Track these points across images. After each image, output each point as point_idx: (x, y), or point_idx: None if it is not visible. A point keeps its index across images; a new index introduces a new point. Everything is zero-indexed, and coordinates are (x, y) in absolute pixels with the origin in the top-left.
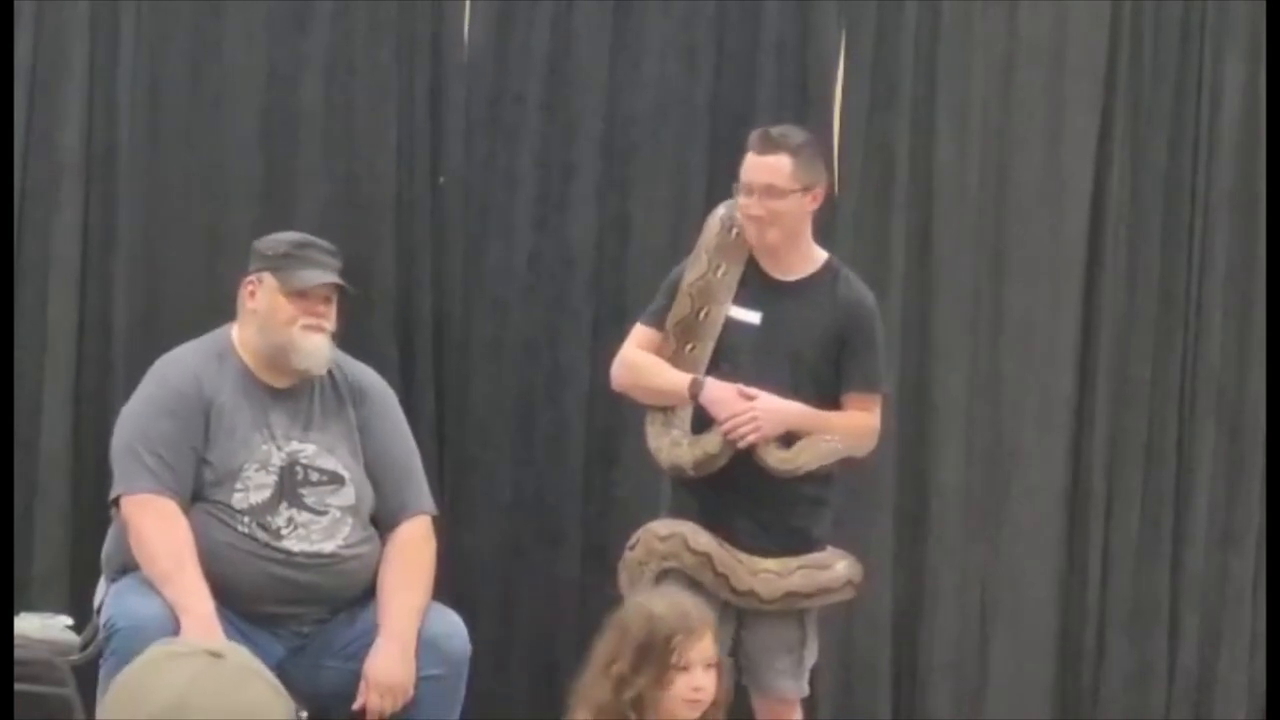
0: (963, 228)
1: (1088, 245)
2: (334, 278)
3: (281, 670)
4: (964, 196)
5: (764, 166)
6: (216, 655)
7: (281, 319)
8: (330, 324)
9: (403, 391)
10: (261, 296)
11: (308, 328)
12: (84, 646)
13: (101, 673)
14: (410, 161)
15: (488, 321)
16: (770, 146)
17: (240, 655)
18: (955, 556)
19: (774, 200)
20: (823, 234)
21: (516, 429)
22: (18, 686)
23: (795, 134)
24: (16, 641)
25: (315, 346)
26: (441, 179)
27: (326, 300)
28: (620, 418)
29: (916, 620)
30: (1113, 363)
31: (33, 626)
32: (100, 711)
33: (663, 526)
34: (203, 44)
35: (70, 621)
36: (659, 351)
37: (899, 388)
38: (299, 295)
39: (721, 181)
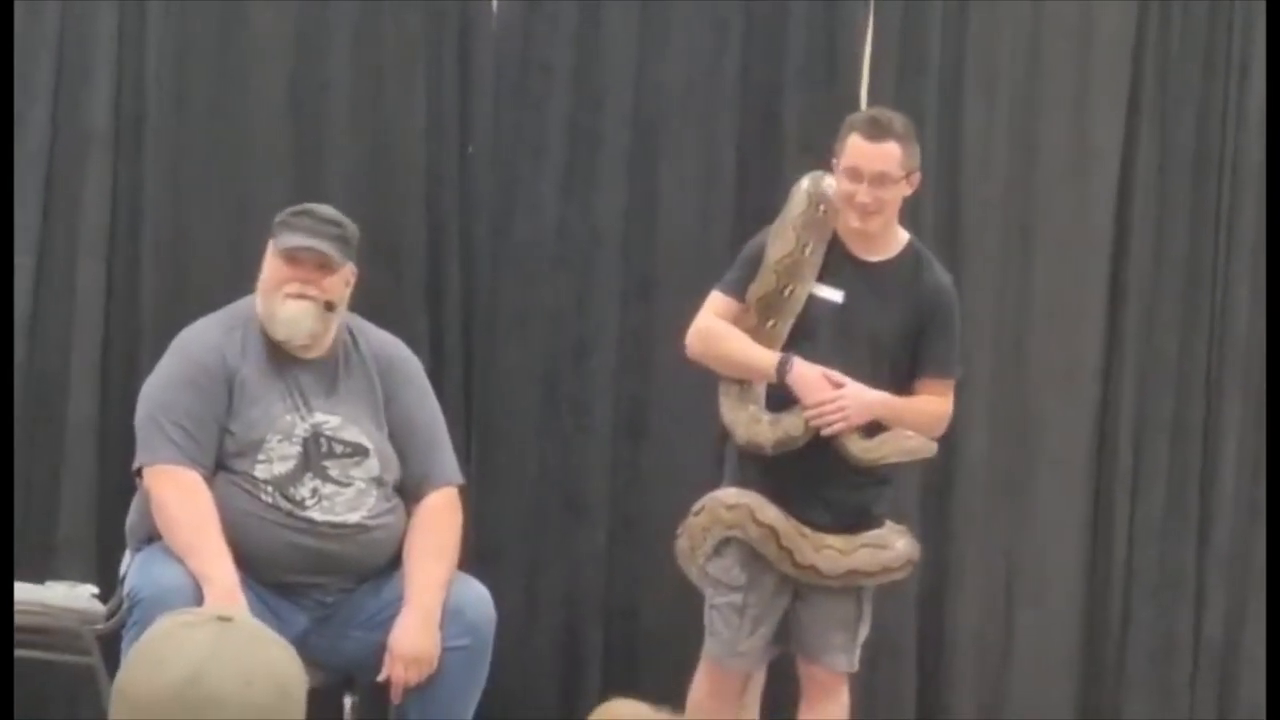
0: (990, 200)
1: (1115, 218)
2: (316, 243)
3: (305, 640)
4: (991, 169)
5: (877, 154)
6: (227, 620)
7: (271, 284)
8: (322, 293)
9: (430, 362)
10: (265, 263)
11: (291, 295)
12: (109, 616)
13: (125, 642)
14: (438, 132)
15: (515, 292)
16: (881, 133)
17: (249, 620)
18: (980, 529)
19: (884, 189)
20: None
21: (543, 400)
22: (43, 654)
23: (898, 118)
24: (41, 609)
25: (293, 315)
26: (470, 149)
27: (319, 268)
28: (647, 389)
29: (941, 592)
30: (1139, 336)
31: (58, 595)
32: (119, 682)
33: (730, 495)
34: (230, 13)
35: (96, 590)
36: (737, 322)
37: None
38: (289, 261)
39: (749, 151)
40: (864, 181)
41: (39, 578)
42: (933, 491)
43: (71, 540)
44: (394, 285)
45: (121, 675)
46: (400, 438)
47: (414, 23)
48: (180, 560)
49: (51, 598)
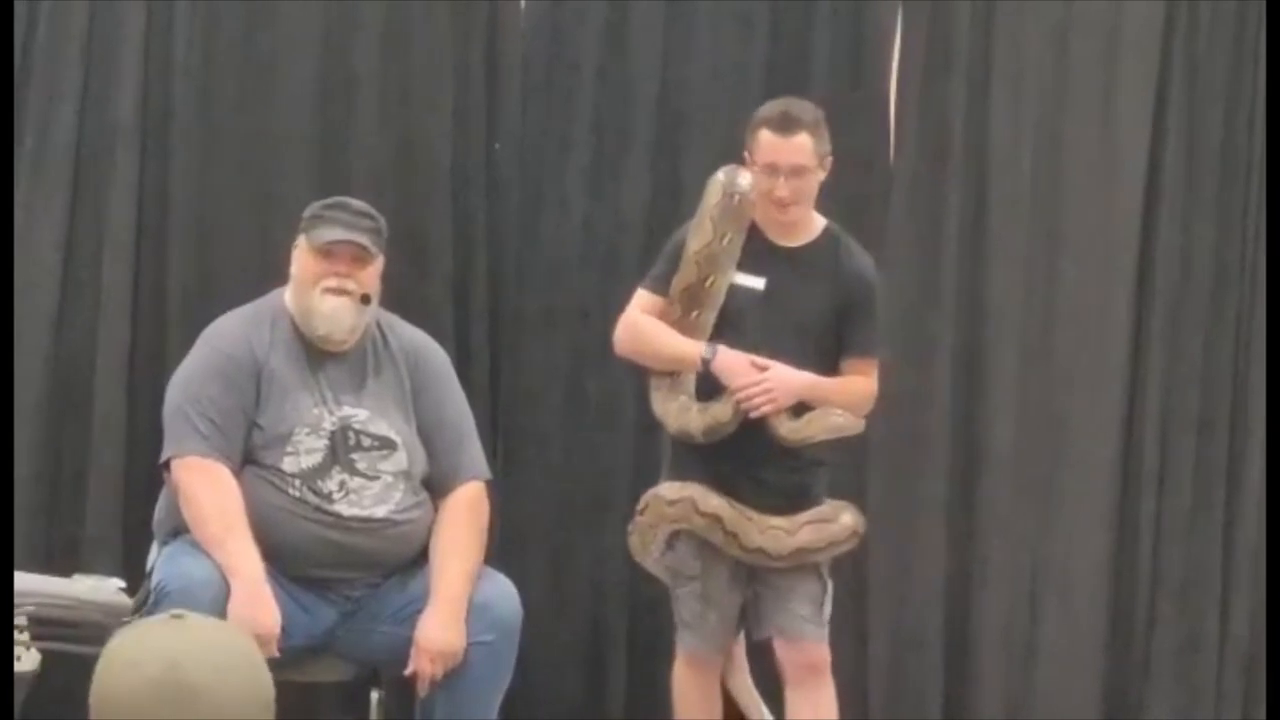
0: (1017, 198)
1: (1142, 217)
2: (353, 235)
3: (332, 635)
4: (1018, 166)
5: (790, 148)
6: (180, 617)
7: (306, 279)
8: (360, 286)
9: (457, 357)
10: (296, 258)
11: (329, 290)
12: (136, 609)
13: None
14: (465, 127)
15: (541, 288)
16: (792, 126)
17: (202, 616)
18: (1006, 527)
19: (800, 180)
20: (878, 203)
21: (569, 395)
22: (69, 648)
23: (807, 108)
24: (68, 603)
25: (333, 310)
26: (497, 145)
27: (355, 261)
28: None
29: (967, 590)
30: (1165, 334)
31: (84, 589)
32: (95, 692)
33: (670, 490)
34: (258, 9)
35: (123, 584)
36: (663, 317)
37: (951, 357)
38: (324, 255)
39: None
40: (781, 175)
41: (66, 571)
42: (958, 490)
43: (99, 534)
44: (420, 281)
45: (96, 685)
46: (428, 432)
47: (442, 19)
48: (207, 553)
49: (78, 591)
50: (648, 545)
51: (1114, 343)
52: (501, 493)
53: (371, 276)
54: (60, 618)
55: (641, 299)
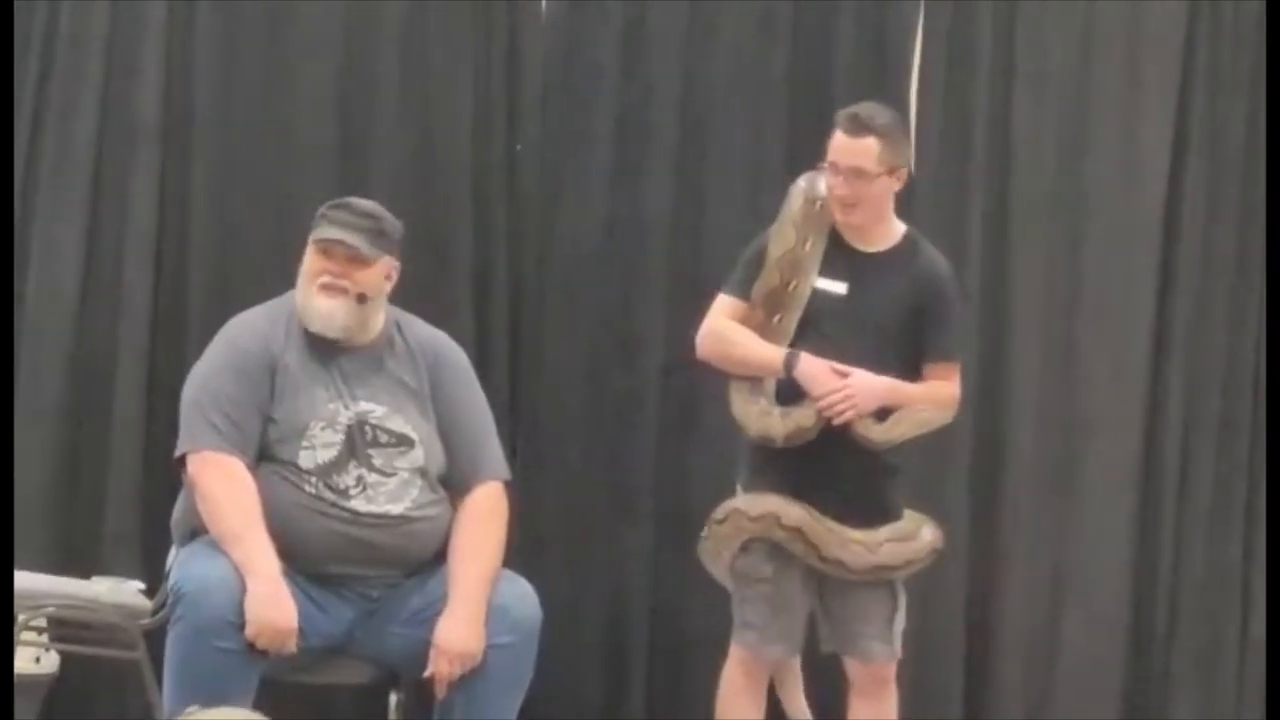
0: (1040, 197)
1: (1164, 216)
2: (347, 236)
3: (350, 636)
4: (1040, 167)
5: (852, 150)
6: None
7: (307, 276)
8: (355, 286)
9: (477, 358)
10: (305, 257)
11: (325, 288)
12: (155, 611)
13: (169, 637)
14: (486, 127)
15: (562, 288)
16: (859, 129)
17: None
18: (1028, 528)
19: (861, 183)
20: (901, 202)
21: (590, 395)
22: (88, 649)
23: (882, 115)
24: (87, 605)
25: (328, 310)
26: (518, 145)
27: (351, 262)
28: (695, 386)
29: (988, 592)
30: (1187, 335)
31: (104, 590)
32: None
33: (751, 505)
34: (278, 8)
35: (143, 586)
36: (745, 321)
37: (975, 356)
38: (323, 253)
39: (798, 148)
40: (842, 176)
41: (85, 573)
42: (980, 491)
43: (118, 536)
44: (441, 281)
45: None
46: (447, 431)
47: (462, 18)
48: (223, 550)
49: (97, 593)
50: (722, 553)
51: (1136, 343)
52: (521, 494)
53: (370, 277)
54: (79, 619)
55: (723, 304)
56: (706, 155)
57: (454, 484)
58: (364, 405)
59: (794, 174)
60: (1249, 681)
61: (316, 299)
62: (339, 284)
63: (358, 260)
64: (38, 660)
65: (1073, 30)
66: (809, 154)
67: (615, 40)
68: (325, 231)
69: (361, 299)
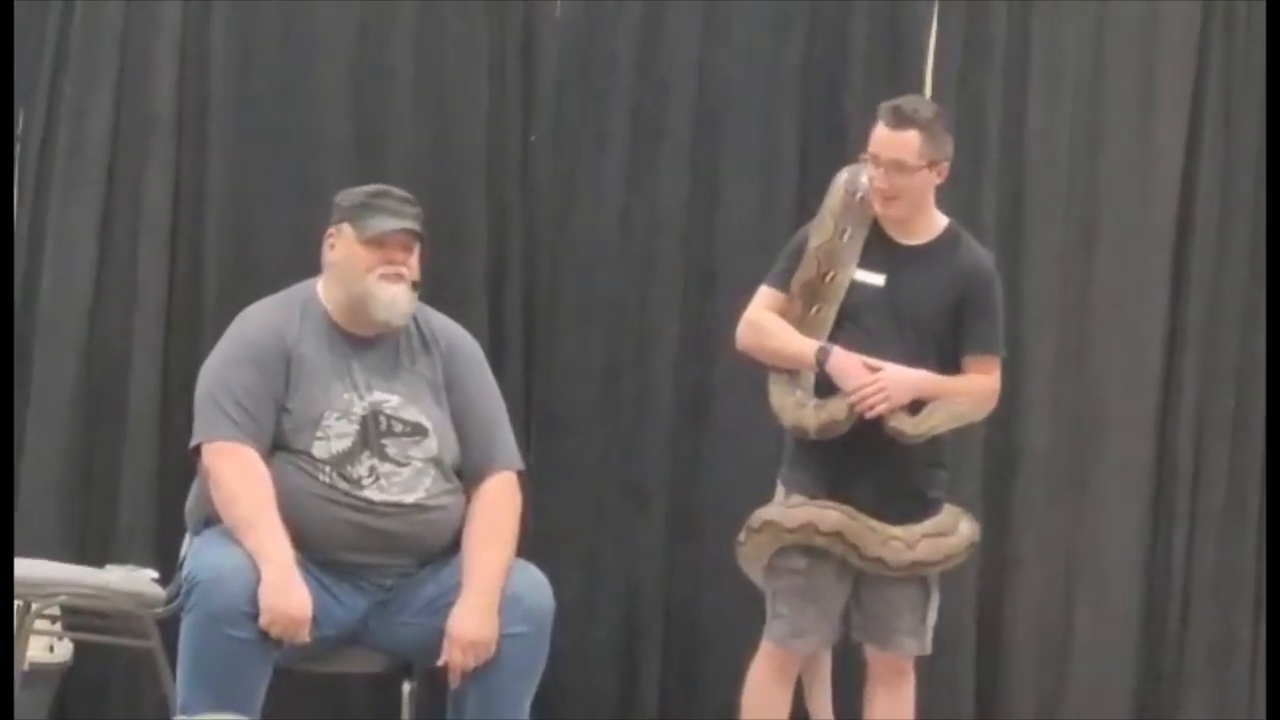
0: (1053, 194)
1: (1177, 215)
2: (409, 224)
3: (364, 625)
4: (1055, 163)
5: (893, 142)
6: None
7: (360, 268)
8: (410, 273)
9: (491, 351)
10: (340, 248)
11: (385, 277)
12: (169, 600)
13: (183, 626)
14: (501, 120)
15: (576, 281)
16: (901, 122)
17: None
18: (1041, 526)
19: (901, 176)
20: None
21: (604, 389)
22: (102, 638)
23: (925, 108)
24: (101, 593)
25: (393, 296)
26: (532, 138)
27: (405, 249)
28: (708, 379)
29: (1001, 588)
30: (1201, 333)
31: (117, 579)
32: None
33: (788, 518)
34: (293, 4)
35: (156, 575)
36: (784, 313)
37: None
38: (376, 244)
39: (812, 143)
40: (882, 168)
41: (99, 562)
42: (993, 488)
43: (132, 525)
44: (456, 274)
45: None
46: (461, 421)
47: (477, 12)
48: (237, 539)
49: (111, 581)
50: (761, 557)
51: (1149, 342)
52: (535, 485)
53: (417, 263)
54: (92, 608)
55: (764, 296)
56: (721, 151)
57: (467, 474)
58: (379, 395)
59: (807, 169)
60: (1261, 680)
61: (379, 288)
62: (399, 272)
63: (409, 247)
64: (51, 649)
65: (1087, 28)
66: (823, 150)
67: (630, 36)
68: (384, 223)
69: (415, 285)
